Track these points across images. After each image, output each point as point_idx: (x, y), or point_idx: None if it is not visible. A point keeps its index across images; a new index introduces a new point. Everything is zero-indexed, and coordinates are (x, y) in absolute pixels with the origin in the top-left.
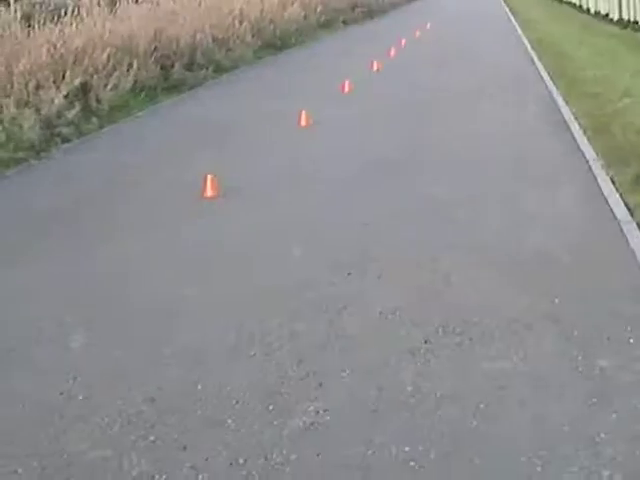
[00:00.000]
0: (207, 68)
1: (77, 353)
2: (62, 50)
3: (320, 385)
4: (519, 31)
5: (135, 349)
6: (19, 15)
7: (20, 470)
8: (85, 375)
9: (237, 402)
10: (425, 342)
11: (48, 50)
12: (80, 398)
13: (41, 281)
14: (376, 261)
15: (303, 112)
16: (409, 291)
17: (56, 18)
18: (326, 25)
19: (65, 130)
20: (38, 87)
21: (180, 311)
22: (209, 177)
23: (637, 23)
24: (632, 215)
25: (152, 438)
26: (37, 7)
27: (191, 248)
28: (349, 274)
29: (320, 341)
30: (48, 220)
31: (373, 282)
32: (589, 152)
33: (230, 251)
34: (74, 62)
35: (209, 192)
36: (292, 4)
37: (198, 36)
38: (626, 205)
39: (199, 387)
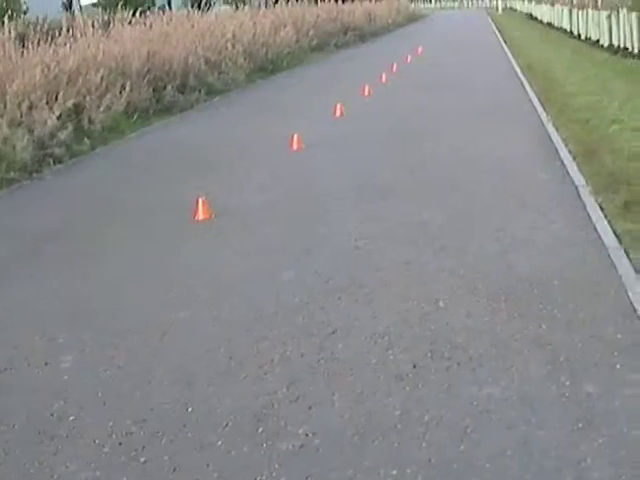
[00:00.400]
0: (199, 90)
1: (68, 373)
2: (56, 71)
3: (309, 408)
4: (510, 56)
5: (126, 370)
6: (13, 35)
7: None
8: (76, 396)
9: (227, 424)
10: (414, 367)
11: (42, 71)
12: (71, 419)
13: (33, 301)
14: (366, 285)
15: (295, 135)
16: (398, 316)
17: (50, 38)
18: (318, 49)
19: (57, 151)
20: (31, 107)
21: (172, 333)
22: (200, 200)
23: (627, 49)
24: (620, 242)
25: (142, 459)
26: (31, 27)
27: (183, 270)
28: (339, 298)
29: (310, 365)
30: (40, 240)
31: (363, 306)
32: (578, 178)
33: (222, 274)
34: (67, 83)
35: (200, 215)
36: (284, 27)
37: (191, 58)
38: (614, 232)
39: (190, 409)
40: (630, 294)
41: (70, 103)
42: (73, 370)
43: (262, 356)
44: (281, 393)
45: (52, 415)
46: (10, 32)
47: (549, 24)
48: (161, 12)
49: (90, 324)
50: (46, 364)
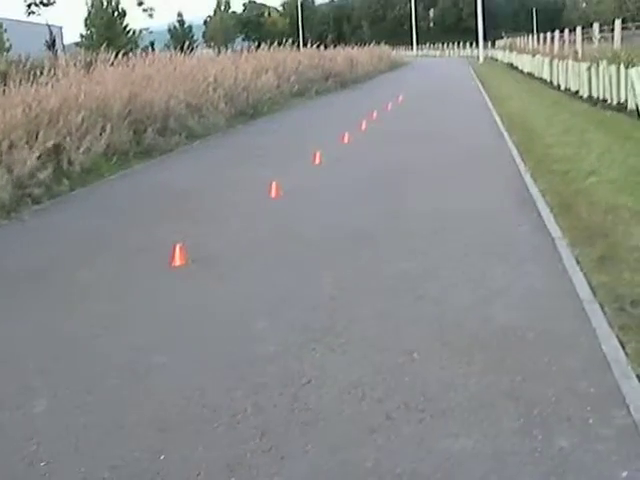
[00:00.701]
0: (180, 134)
1: (42, 418)
2: (37, 110)
3: (282, 459)
4: (490, 105)
5: (101, 415)
6: None
7: None
8: (49, 441)
9: (199, 473)
10: (387, 418)
11: (23, 110)
12: (42, 464)
13: (8, 343)
14: (341, 336)
15: (273, 183)
16: (372, 367)
17: (32, 77)
18: (299, 94)
19: (36, 191)
20: (11, 146)
21: (147, 379)
22: (177, 246)
23: (606, 101)
24: (595, 295)
25: None
26: (13, 65)
27: (157, 316)
28: (314, 348)
29: (284, 415)
30: (17, 281)
31: (337, 357)
32: (555, 230)
33: (196, 321)
34: (48, 123)
35: (177, 261)
36: (266, 72)
37: (172, 102)
38: (589, 285)
39: (162, 457)
40: (604, 347)
41: (50, 143)
42: (46, 414)
43: (235, 405)
44: (254, 443)
45: (24, 459)
46: None
47: (530, 74)
48: (144, 54)
49: (65, 367)
50: (19, 407)
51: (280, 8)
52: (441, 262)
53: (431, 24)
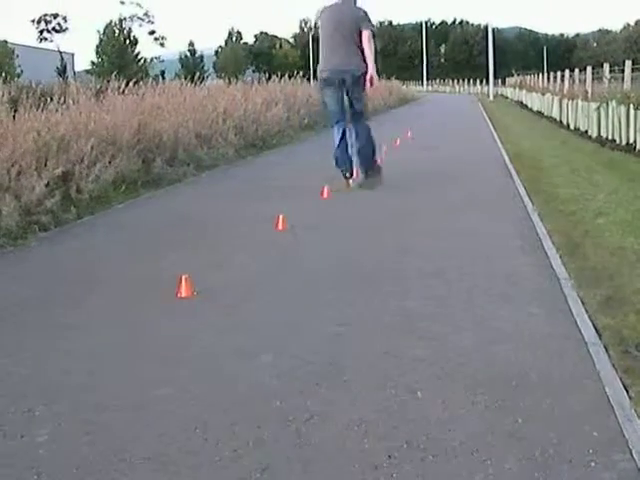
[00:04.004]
0: (188, 164)
1: (44, 447)
2: (46, 137)
3: None
4: (499, 144)
5: (101, 447)
6: (5, 99)
7: None
8: (50, 471)
9: None
10: (389, 457)
11: (33, 137)
12: None
13: (9, 371)
14: (345, 372)
15: (280, 216)
16: (376, 404)
17: (42, 104)
18: (309, 128)
19: (44, 218)
20: (20, 173)
21: (148, 410)
22: (183, 277)
23: (614, 141)
24: (600, 337)
25: None
26: (24, 91)
27: (163, 347)
28: (317, 384)
29: (285, 450)
30: (19, 309)
31: (341, 394)
32: (561, 271)
33: (201, 354)
34: (57, 150)
35: (183, 292)
36: (276, 105)
37: (181, 132)
38: (594, 327)
39: None
40: (607, 390)
41: (59, 171)
42: (49, 444)
43: (237, 439)
44: (255, 478)
45: None
46: (3, 96)
47: (539, 112)
48: (154, 83)
49: (67, 398)
50: (22, 437)
51: (291, 40)
52: (444, 301)
53: (442, 60)
